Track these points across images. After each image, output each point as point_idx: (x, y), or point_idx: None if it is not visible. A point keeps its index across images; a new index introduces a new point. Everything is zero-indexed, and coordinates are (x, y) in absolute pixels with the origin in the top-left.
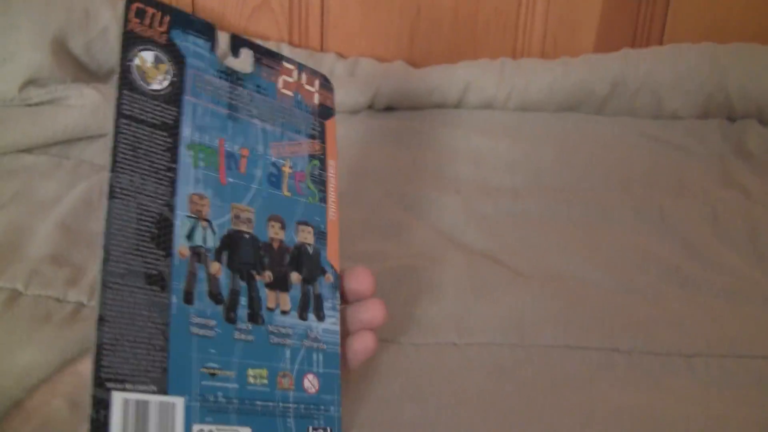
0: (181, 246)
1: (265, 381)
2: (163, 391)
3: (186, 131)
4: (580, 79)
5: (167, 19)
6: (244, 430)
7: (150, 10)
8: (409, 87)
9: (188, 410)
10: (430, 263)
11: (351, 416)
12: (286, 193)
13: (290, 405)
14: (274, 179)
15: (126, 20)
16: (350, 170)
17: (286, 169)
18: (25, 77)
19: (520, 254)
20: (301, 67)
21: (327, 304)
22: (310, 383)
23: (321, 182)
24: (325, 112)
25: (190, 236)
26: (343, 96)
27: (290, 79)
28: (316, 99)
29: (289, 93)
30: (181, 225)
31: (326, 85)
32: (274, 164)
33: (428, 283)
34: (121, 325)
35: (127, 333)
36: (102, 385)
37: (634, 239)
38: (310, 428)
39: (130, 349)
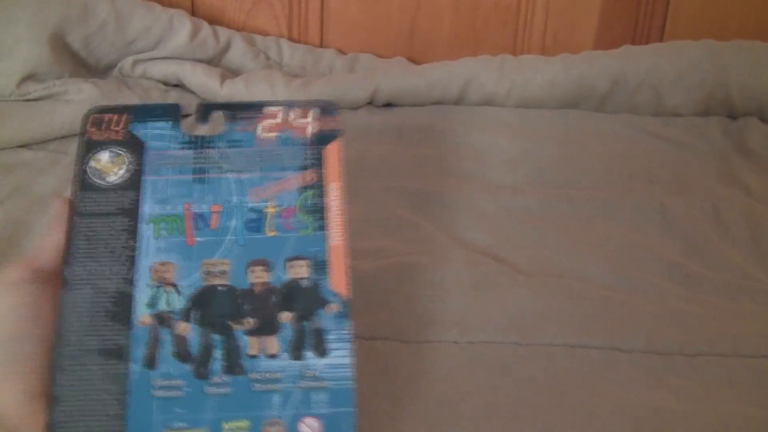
0: (142, 315)
1: None
2: None
3: (146, 208)
4: (580, 75)
5: (125, 117)
6: None
7: (107, 117)
8: (409, 83)
9: None
10: (431, 260)
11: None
12: (269, 233)
13: None
14: (254, 224)
15: (84, 131)
16: (350, 166)
17: (270, 210)
18: (23, 72)
19: (521, 251)
20: (289, 106)
21: (331, 337)
22: (309, 427)
23: (317, 210)
24: (325, 138)
25: (152, 304)
26: (343, 91)
27: (273, 122)
28: (310, 130)
29: (272, 135)
30: (141, 295)
31: (327, 110)
32: (253, 209)
33: (429, 281)
34: (74, 402)
35: (81, 408)
36: None
37: (636, 236)
38: None
39: (83, 423)
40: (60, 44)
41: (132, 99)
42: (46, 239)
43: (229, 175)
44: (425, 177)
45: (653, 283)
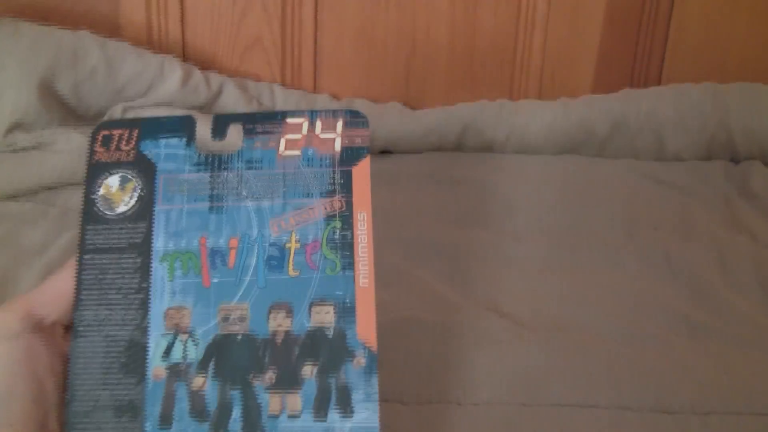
0: (155, 368)
1: None
2: None
3: (158, 244)
4: (580, 119)
5: (136, 133)
6: None
7: (116, 133)
8: (405, 129)
9: None
10: (431, 315)
11: None
12: (292, 273)
13: None
14: (275, 262)
15: (92, 152)
16: None
17: (292, 245)
18: (10, 121)
19: (524, 304)
20: (313, 115)
21: (357, 395)
22: None
23: (345, 246)
24: (353, 155)
25: (167, 355)
26: None
27: (296, 136)
28: (338, 144)
29: (295, 153)
30: (155, 345)
31: (355, 121)
32: (274, 244)
33: (429, 337)
34: None
35: None
36: None
37: (641, 285)
38: None
39: None
40: (49, 92)
41: None
42: (51, 283)
43: (249, 203)
44: (423, 226)
45: (660, 336)
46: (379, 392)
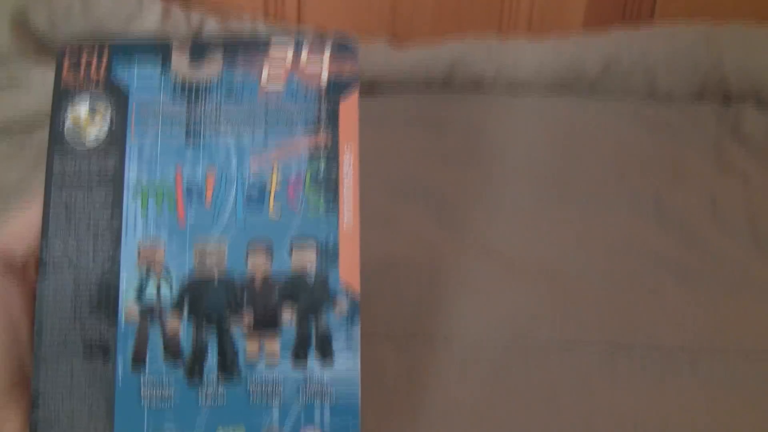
0: (128, 308)
1: None
2: None
3: (131, 178)
4: (571, 58)
5: (106, 57)
6: None
7: (85, 56)
8: (391, 65)
9: None
10: (419, 255)
11: None
12: (272, 211)
13: None
14: (255, 200)
15: (59, 76)
16: None
17: (273, 183)
18: None
19: (513, 245)
20: (299, 42)
21: (338, 342)
22: None
23: (329, 183)
24: (340, 88)
25: (139, 294)
26: None
27: (280, 66)
28: (324, 74)
29: (278, 84)
30: (127, 285)
31: (344, 49)
32: (254, 180)
33: (417, 276)
34: (57, 401)
35: (65, 409)
36: None
37: (631, 229)
38: None
39: (68, 425)
40: (23, 27)
41: None
42: (17, 220)
43: (227, 137)
44: (411, 167)
45: (650, 278)
46: (362, 334)
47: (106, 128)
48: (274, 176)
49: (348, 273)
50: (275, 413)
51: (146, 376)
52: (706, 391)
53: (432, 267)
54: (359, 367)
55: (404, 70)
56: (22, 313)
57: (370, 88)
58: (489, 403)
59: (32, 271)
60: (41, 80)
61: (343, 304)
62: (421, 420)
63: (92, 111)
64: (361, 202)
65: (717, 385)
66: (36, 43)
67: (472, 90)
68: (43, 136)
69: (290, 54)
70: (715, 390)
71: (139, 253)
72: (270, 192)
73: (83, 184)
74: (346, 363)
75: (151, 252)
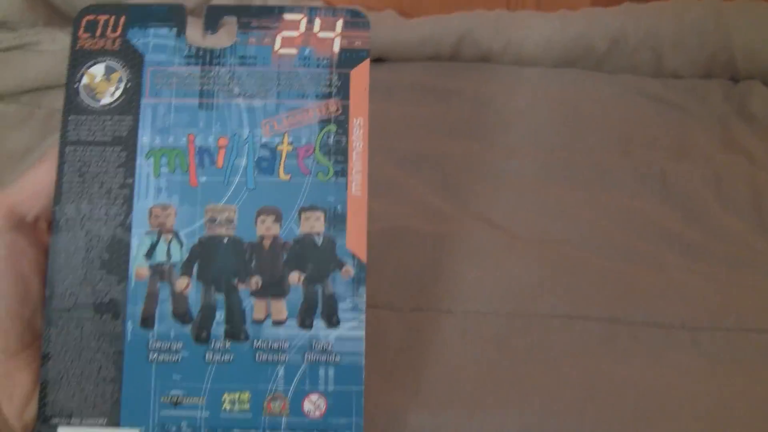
0: (138, 267)
1: (247, 406)
2: (114, 423)
3: (144, 138)
4: (578, 33)
5: (123, 20)
6: None
7: (102, 19)
8: (399, 38)
9: None
10: (422, 225)
11: None
12: (283, 176)
13: None
14: (266, 163)
15: (75, 38)
16: None
17: (284, 147)
18: None
19: (517, 217)
20: (312, 13)
21: (344, 305)
22: (314, 405)
23: (339, 151)
24: (351, 57)
25: (149, 254)
26: None
27: (293, 34)
28: (336, 45)
29: (291, 51)
30: (138, 244)
31: (355, 22)
32: (265, 145)
33: (420, 247)
34: (66, 360)
35: (74, 367)
36: (47, 421)
37: (634, 203)
38: None
39: (77, 383)
40: None
41: None
42: (30, 177)
43: (240, 101)
44: (416, 137)
45: (653, 253)
46: (366, 303)
47: (120, 90)
48: (285, 140)
49: (355, 240)
50: (280, 373)
51: (155, 333)
52: (705, 364)
53: (435, 236)
54: (364, 328)
55: (412, 43)
56: (32, 271)
57: (377, 59)
58: (490, 370)
59: (44, 229)
60: (51, 44)
61: (350, 268)
62: (423, 384)
63: (107, 72)
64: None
65: (717, 359)
66: (46, 6)
67: (480, 61)
68: (52, 99)
69: (304, 22)
70: (715, 363)
71: (150, 214)
72: (281, 157)
73: (97, 145)
74: (351, 325)
75: (163, 213)
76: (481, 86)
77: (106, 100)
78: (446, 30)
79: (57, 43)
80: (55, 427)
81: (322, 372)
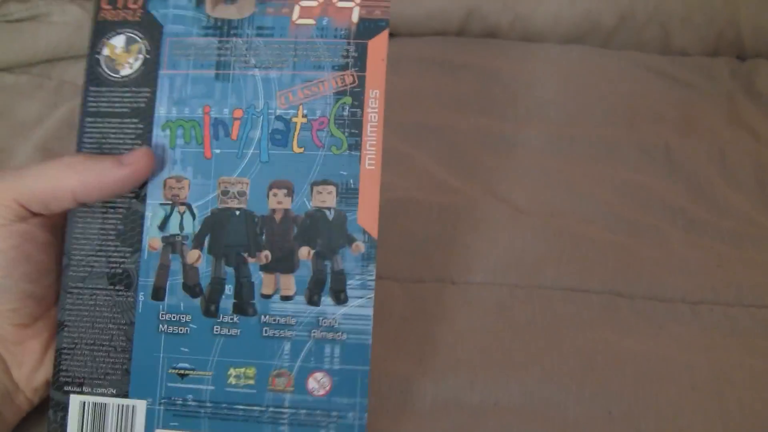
0: (151, 238)
1: (252, 381)
2: (123, 394)
3: (161, 110)
4: (586, 9)
5: None
6: None
7: None
8: (407, 12)
9: (150, 414)
10: (427, 197)
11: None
12: (296, 149)
13: (285, 410)
14: (280, 136)
15: (97, 9)
16: None
17: (299, 120)
18: None
19: (521, 189)
20: None
21: (353, 282)
22: (318, 384)
23: (353, 124)
24: (370, 27)
25: (163, 226)
26: None
27: (312, 3)
28: (355, 15)
29: (309, 21)
30: (152, 215)
31: None
32: (280, 118)
33: (424, 218)
34: (80, 329)
35: (87, 336)
36: (60, 388)
37: (639, 178)
38: None
39: (89, 352)
40: None
41: None
42: (44, 175)
43: (256, 72)
44: (423, 109)
45: (656, 227)
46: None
47: (140, 61)
48: (300, 112)
49: (367, 215)
50: (286, 349)
51: (165, 305)
52: (704, 337)
53: (441, 208)
54: (373, 306)
55: (419, 17)
56: (43, 253)
57: None
58: (492, 339)
59: (60, 215)
60: (61, 15)
61: (360, 244)
62: (426, 353)
63: (128, 43)
64: None
65: (716, 331)
66: None
67: (487, 37)
68: (62, 70)
69: None
70: (714, 335)
71: (165, 186)
72: (295, 130)
73: (115, 117)
74: (360, 302)
75: (177, 185)
76: (489, 60)
77: (125, 71)
78: (454, 4)
79: (67, 14)
80: (68, 394)
81: (328, 349)
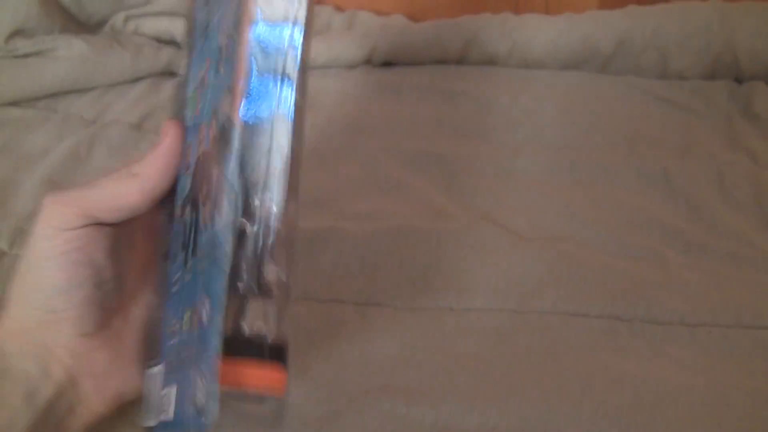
0: (179, 207)
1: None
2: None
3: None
4: (584, 35)
5: None
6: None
7: None
8: (408, 41)
9: (161, 377)
10: (428, 223)
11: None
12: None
13: None
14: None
15: None
16: (347, 126)
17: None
18: (11, 28)
19: (520, 215)
20: None
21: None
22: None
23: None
24: None
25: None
26: (340, 49)
27: None
28: None
29: None
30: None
31: None
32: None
33: (425, 245)
34: None
35: None
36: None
37: (638, 201)
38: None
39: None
40: (51, 1)
41: (123, 56)
42: (113, 188)
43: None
44: (423, 137)
45: (655, 250)
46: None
47: None
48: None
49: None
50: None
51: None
52: (703, 358)
53: (440, 234)
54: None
55: (419, 46)
56: (105, 257)
57: (386, 63)
58: (490, 364)
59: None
60: (67, 50)
61: None
62: (424, 377)
63: None
64: (370, 169)
65: (714, 353)
66: (62, 14)
67: (486, 64)
68: (68, 104)
69: None
70: (713, 357)
71: None
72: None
73: None
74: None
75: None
76: (488, 88)
77: None
78: (453, 33)
79: (73, 49)
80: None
81: None
